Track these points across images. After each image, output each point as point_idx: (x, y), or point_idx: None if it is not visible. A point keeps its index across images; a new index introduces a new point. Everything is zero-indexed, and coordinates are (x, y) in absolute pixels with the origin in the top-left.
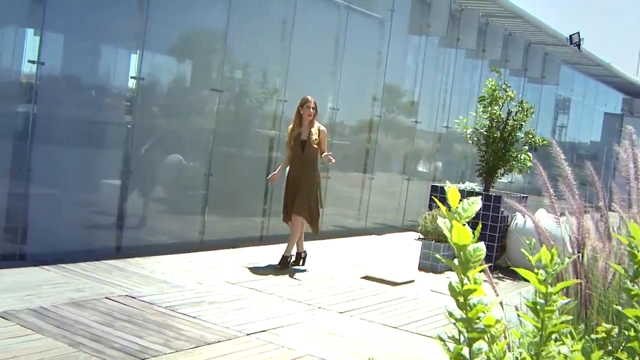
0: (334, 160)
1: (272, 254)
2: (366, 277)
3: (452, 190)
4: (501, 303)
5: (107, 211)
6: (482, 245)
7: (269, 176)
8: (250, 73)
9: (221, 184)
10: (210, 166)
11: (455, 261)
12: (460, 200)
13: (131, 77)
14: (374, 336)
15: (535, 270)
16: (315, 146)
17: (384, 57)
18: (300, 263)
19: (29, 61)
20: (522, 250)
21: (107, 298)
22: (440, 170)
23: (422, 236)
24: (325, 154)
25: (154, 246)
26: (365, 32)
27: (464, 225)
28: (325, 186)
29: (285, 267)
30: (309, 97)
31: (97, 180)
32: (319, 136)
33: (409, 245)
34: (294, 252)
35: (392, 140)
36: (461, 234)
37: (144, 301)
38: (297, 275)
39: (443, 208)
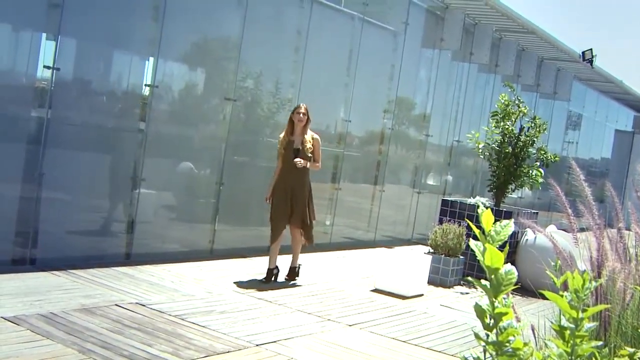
0: (303, 163)
1: (283, 264)
2: (376, 290)
3: (486, 214)
4: (533, 328)
5: (118, 218)
6: (513, 268)
7: (267, 196)
8: (264, 83)
9: (232, 193)
10: (222, 175)
11: (485, 283)
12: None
13: (145, 85)
14: (383, 350)
15: (561, 293)
16: (310, 155)
17: (396, 70)
18: (295, 277)
19: (44, 66)
20: (548, 272)
21: (117, 305)
22: (451, 184)
23: (431, 250)
24: (298, 160)
25: (164, 254)
26: (379, 44)
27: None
28: (335, 197)
29: (292, 275)
30: (301, 104)
31: (108, 187)
32: (312, 145)
33: (419, 258)
34: (276, 263)
35: (403, 153)
36: (494, 257)
37: (153, 309)
38: (302, 287)
39: (476, 230)
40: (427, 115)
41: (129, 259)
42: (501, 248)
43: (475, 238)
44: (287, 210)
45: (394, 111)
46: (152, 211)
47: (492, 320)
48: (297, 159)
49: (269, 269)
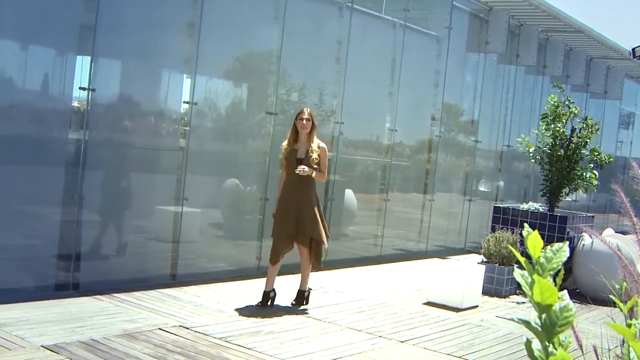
0: (306, 171)
1: (332, 279)
2: (428, 303)
3: (532, 237)
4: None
5: (162, 238)
6: (570, 303)
7: (273, 211)
8: (306, 95)
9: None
10: (267, 190)
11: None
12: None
13: (184, 102)
14: None
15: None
16: (316, 166)
17: (441, 76)
18: (304, 302)
19: (79, 88)
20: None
21: (160, 329)
22: (502, 190)
23: (485, 259)
24: (301, 167)
25: (210, 273)
26: (422, 50)
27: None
28: (384, 208)
29: (301, 300)
30: (305, 109)
31: (151, 207)
32: (319, 155)
33: (472, 268)
34: (273, 286)
35: (452, 160)
36: (545, 291)
37: (198, 332)
38: (352, 302)
39: (521, 259)
40: (475, 120)
41: (174, 280)
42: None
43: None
44: (290, 227)
45: (440, 118)
46: (196, 230)
47: None
48: (300, 167)
49: (264, 292)
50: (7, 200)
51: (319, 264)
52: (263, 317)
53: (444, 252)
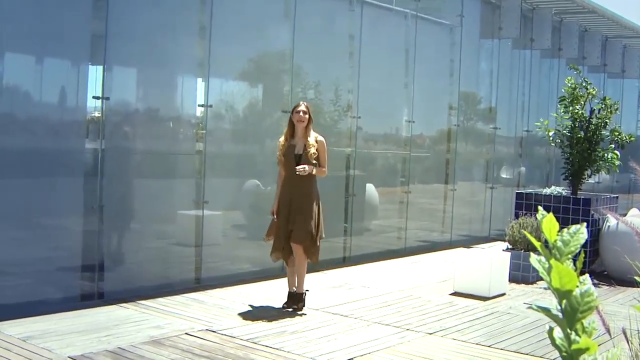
0: (307, 170)
1: (357, 275)
2: (455, 293)
3: (547, 220)
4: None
5: (185, 242)
6: (592, 288)
7: (272, 209)
8: (321, 92)
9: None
10: None
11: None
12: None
13: (199, 105)
14: (467, 357)
15: None
16: (315, 161)
17: (456, 65)
18: (301, 306)
19: (93, 97)
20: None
21: (186, 334)
22: (524, 175)
23: (510, 246)
24: (300, 167)
25: (234, 275)
26: (435, 40)
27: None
28: (406, 201)
29: (297, 303)
30: (301, 102)
31: (172, 212)
32: (317, 149)
33: (498, 256)
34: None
35: (472, 149)
36: (564, 276)
37: (224, 335)
38: (377, 297)
39: (536, 243)
40: (493, 107)
41: (199, 284)
42: (576, 257)
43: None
44: (287, 226)
45: (458, 107)
46: (219, 232)
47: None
48: (299, 166)
49: (289, 293)
50: (28, 214)
51: (316, 260)
52: (289, 316)
53: (468, 241)
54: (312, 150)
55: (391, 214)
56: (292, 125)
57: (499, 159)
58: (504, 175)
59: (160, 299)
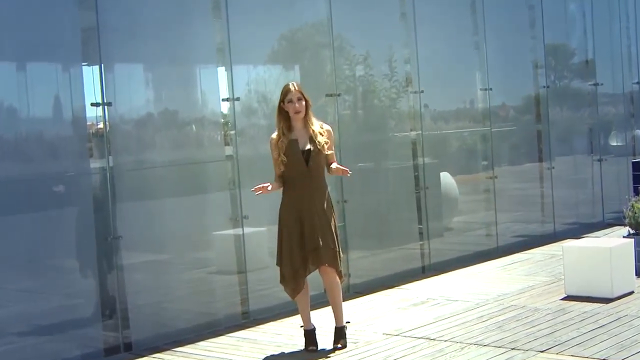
0: (350, 173)
1: (441, 287)
2: (568, 297)
3: None
4: None
5: (225, 269)
6: None
7: (258, 187)
8: (372, 66)
9: (361, 210)
10: (343, 190)
11: None
12: None
13: (223, 100)
14: None
15: None
16: (329, 152)
17: (537, 11)
18: (342, 343)
19: (92, 104)
20: None
21: None
22: None
23: (632, 231)
24: (336, 166)
25: (289, 303)
26: None
27: None
28: (492, 189)
29: (339, 341)
30: (290, 85)
31: (205, 234)
32: (328, 138)
33: (617, 245)
34: (311, 321)
35: (568, 114)
36: None
37: None
38: (470, 311)
39: None
40: (590, 60)
41: (248, 319)
42: None
43: None
44: (308, 243)
45: (545, 64)
46: (265, 253)
47: None
48: (336, 166)
49: (305, 332)
50: (33, 256)
51: (341, 277)
52: (364, 344)
53: (577, 231)
54: (323, 139)
55: (476, 207)
56: (285, 117)
57: (605, 123)
58: (613, 143)
59: (202, 343)
